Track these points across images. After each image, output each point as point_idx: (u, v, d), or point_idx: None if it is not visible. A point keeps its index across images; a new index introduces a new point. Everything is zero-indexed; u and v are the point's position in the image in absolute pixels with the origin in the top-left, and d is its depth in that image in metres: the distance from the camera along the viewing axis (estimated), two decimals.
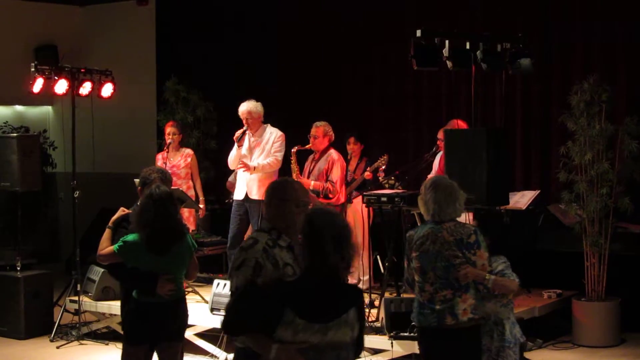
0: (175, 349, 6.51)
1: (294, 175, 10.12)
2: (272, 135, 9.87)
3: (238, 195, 9.94)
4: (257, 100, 9.91)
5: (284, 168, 10.09)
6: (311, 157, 10.25)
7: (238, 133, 9.89)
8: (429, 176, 9.89)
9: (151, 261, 6.31)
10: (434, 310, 6.00)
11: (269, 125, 9.98)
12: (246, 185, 9.81)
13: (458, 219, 6.17)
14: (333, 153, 10.02)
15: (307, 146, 10.11)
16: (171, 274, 6.34)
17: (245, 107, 9.84)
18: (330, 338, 4.39)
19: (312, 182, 9.83)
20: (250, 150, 9.90)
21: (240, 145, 9.89)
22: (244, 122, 9.85)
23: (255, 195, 9.71)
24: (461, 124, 9.46)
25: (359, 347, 4.62)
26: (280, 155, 9.85)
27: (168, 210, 6.31)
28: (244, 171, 9.73)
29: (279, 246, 4.93)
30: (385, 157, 10.27)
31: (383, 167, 10.25)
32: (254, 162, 9.74)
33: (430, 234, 6.03)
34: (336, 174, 9.89)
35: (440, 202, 6.01)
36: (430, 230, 6.05)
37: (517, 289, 6.29)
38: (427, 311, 6.05)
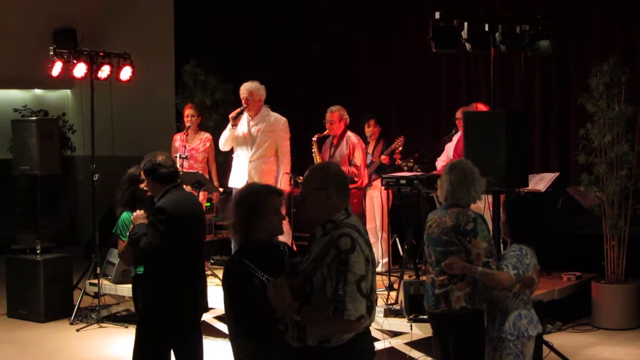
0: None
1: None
2: (278, 122, 9.69)
3: (237, 182, 9.68)
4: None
5: (305, 156, 10.05)
6: (328, 141, 10.19)
7: (234, 113, 9.74)
8: (439, 158, 9.86)
9: None
10: (434, 294, 6.03)
11: (269, 109, 9.78)
12: (247, 174, 9.65)
13: (475, 206, 6.12)
14: (352, 137, 9.97)
15: (325, 132, 10.06)
16: None
17: (248, 86, 9.65)
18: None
19: None
20: (251, 135, 9.68)
21: (235, 125, 9.72)
22: (244, 101, 9.64)
23: None
24: (481, 108, 9.40)
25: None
26: (288, 143, 9.78)
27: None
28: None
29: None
30: (401, 139, 10.22)
31: (399, 149, 10.21)
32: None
33: (437, 218, 6.05)
34: (359, 158, 9.86)
35: (454, 184, 5.99)
36: (439, 213, 6.07)
37: (510, 283, 5.77)
38: (430, 293, 6.08)
